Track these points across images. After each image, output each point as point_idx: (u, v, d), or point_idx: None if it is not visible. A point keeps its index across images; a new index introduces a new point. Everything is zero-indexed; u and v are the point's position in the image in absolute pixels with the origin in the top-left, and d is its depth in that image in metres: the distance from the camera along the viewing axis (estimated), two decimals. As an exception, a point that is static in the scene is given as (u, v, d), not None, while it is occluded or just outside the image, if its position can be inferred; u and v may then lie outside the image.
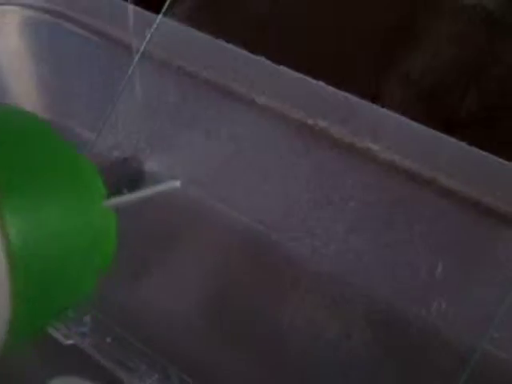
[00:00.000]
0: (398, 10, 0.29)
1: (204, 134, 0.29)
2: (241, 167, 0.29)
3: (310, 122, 0.25)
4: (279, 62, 0.26)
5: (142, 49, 0.29)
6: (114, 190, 0.19)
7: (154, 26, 0.28)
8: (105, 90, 0.30)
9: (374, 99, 0.24)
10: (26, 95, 0.34)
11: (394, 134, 0.24)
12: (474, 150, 0.23)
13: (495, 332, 0.23)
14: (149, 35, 0.28)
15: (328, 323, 0.25)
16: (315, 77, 0.25)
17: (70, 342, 0.26)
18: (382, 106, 0.24)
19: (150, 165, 0.27)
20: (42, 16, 0.32)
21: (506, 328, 0.23)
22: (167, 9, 0.28)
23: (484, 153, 0.23)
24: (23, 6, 0.32)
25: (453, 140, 0.23)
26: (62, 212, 0.16)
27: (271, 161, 0.27)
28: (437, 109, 0.27)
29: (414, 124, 0.24)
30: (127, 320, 0.27)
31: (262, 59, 0.26)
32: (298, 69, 0.25)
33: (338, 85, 0.24)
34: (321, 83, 0.25)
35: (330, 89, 0.25)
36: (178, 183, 0.21)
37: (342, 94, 0.25)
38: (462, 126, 0.26)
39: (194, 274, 0.29)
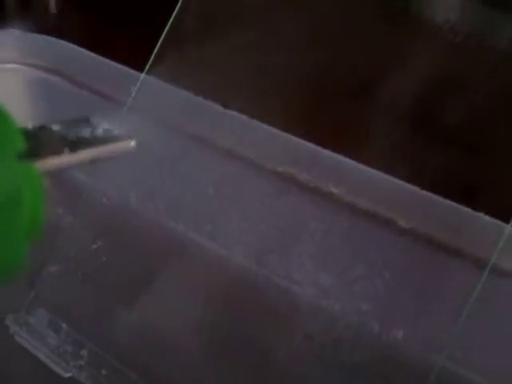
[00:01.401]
0: (362, 55, 0.32)
1: (186, 179, 0.32)
2: (221, 207, 0.32)
3: (280, 169, 0.28)
4: (252, 116, 0.29)
5: (128, 103, 0.32)
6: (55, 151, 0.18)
7: (138, 83, 0.31)
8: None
9: (337, 147, 0.27)
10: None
11: (354, 179, 0.27)
12: (427, 194, 0.26)
13: (456, 351, 0.26)
14: (134, 92, 0.31)
15: (302, 352, 0.27)
16: (284, 129, 0.28)
17: (68, 374, 0.28)
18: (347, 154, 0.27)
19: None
20: (40, 74, 0.35)
21: (461, 347, 0.26)
22: (150, 67, 0.31)
23: (435, 196, 0.26)
24: (24, 64, 0.35)
25: (407, 185, 0.26)
26: None
27: (248, 203, 0.30)
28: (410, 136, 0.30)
29: (372, 171, 0.27)
30: (123, 352, 0.29)
31: (236, 114, 0.29)
32: (268, 122, 0.28)
33: (303, 136, 0.27)
34: (288, 135, 0.28)
35: (297, 140, 0.28)
36: (132, 143, 0.19)
37: (308, 145, 0.28)
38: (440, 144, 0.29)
39: (184, 306, 0.32)
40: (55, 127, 0.20)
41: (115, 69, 0.32)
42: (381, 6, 0.31)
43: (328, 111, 0.28)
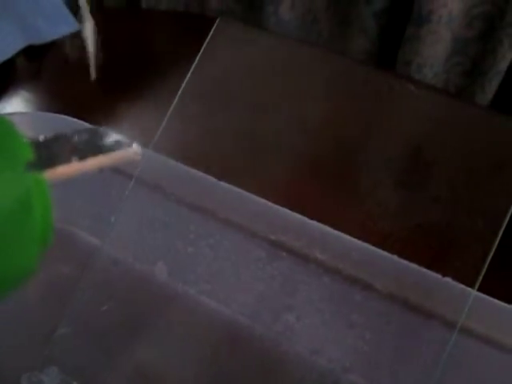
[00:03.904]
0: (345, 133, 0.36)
1: (187, 244, 0.35)
2: (219, 268, 0.35)
3: (272, 237, 0.32)
4: (247, 189, 0.32)
5: (135, 175, 0.35)
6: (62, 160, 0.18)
7: (145, 158, 0.35)
8: (105, 209, 0.36)
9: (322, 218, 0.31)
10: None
11: (337, 247, 0.30)
12: (402, 261, 0.30)
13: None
14: (141, 165, 0.35)
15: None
16: (276, 201, 0.32)
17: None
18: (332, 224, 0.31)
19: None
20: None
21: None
22: (155, 144, 0.35)
23: (409, 263, 0.29)
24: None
25: (385, 253, 0.30)
26: None
27: (243, 266, 0.33)
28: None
29: (353, 240, 0.30)
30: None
31: (232, 187, 0.32)
32: (262, 195, 0.32)
33: (293, 208, 0.31)
34: (280, 207, 0.31)
35: (287, 211, 0.31)
36: (138, 150, 0.20)
37: (297, 216, 0.31)
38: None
39: (191, 360, 0.34)
40: (65, 138, 0.20)
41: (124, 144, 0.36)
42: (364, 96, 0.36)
43: (314, 189, 0.32)
